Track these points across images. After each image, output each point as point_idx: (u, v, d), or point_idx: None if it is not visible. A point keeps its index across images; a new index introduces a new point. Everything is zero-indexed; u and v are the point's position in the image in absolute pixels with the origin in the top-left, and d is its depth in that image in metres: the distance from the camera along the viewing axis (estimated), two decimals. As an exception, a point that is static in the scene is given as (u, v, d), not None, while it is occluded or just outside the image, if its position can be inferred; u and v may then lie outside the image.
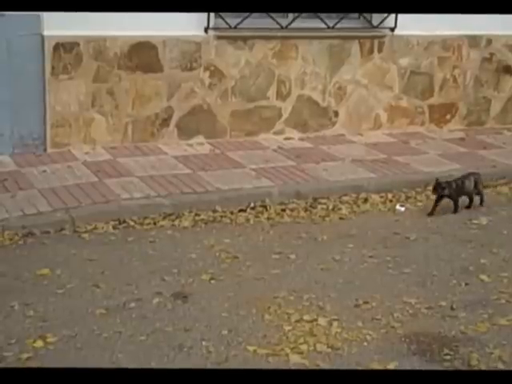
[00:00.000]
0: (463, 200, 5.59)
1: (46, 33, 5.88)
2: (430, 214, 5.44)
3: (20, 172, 5.66)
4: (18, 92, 5.88)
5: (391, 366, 3.51)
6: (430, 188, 5.56)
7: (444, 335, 3.80)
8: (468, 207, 5.61)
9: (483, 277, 4.45)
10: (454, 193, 5.47)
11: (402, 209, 5.57)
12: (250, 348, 3.61)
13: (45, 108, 6.01)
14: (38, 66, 5.91)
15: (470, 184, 5.57)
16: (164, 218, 5.11)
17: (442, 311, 4.03)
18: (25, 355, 3.45)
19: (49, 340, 3.57)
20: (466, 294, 4.24)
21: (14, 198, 5.17)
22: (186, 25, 6.22)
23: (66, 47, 5.97)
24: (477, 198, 5.66)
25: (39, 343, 3.55)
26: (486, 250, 4.84)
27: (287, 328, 3.79)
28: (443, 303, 4.11)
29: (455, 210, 5.50)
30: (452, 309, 4.05)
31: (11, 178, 5.50)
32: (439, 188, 5.39)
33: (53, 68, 5.96)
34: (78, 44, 6.01)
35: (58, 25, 5.74)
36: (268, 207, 5.39)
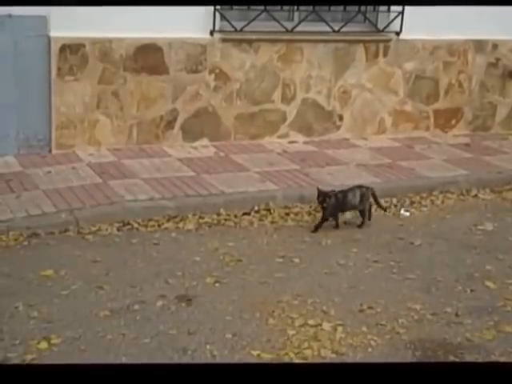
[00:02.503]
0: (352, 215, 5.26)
1: (52, 34, 5.88)
2: (315, 230, 5.06)
3: (25, 173, 5.66)
4: (24, 93, 5.88)
5: (396, 372, 3.49)
6: (436, 193, 5.51)
7: (449, 342, 3.78)
8: (360, 226, 5.18)
9: (489, 283, 4.43)
10: (331, 206, 5.03)
11: (407, 214, 5.56)
12: (254, 352, 3.60)
13: (50, 109, 6.01)
14: (43, 67, 5.92)
15: (353, 198, 5.11)
16: (168, 221, 5.11)
17: (447, 317, 4.02)
18: (29, 356, 3.45)
19: (53, 341, 3.57)
20: (471, 301, 4.22)
21: (18, 198, 5.16)
22: (192, 27, 6.23)
23: (71, 48, 5.97)
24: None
25: (43, 344, 3.54)
26: (492, 257, 4.83)
27: (291, 332, 3.78)
28: (448, 309, 4.10)
29: (336, 225, 5.12)
30: (457, 315, 4.04)
31: (16, 179, 5.50)
32: (321, 196, 5.01)
33: (59, 69, 5.96)
34: (84, 45, 6.01)
35: (65, 26, 5.76)
36: (272, 211, 5.38)
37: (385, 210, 5.43)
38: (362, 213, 5.19)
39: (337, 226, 5.14)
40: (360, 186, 5.21)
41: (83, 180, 5.56)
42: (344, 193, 5.11)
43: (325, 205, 5.02)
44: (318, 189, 5.10)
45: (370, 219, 5.23)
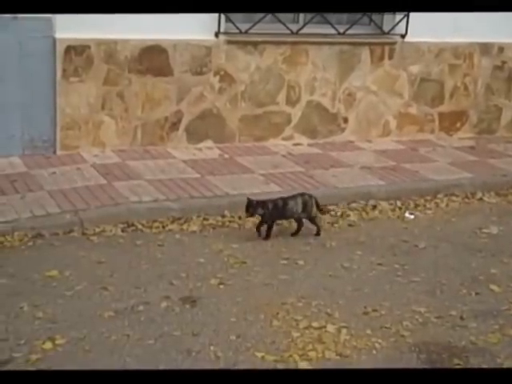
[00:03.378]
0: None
1: (57, 35, 5.89)
2: (266, 237, 4.89)
3: (29, 173, 5.66)
4: (29, 94, 5.89)
5: (400, 375, 3.48)
6: (441, 196, 5.52)
7: (454, 345, 3.77)
8: (294, 234, 4.98)
9: (493, 287, 4.42)
10: (268, 214, 4.83)
11: (411, 216, 5.55)
12: (259, 354, 3.59)
13: (55, 110, 6.02)
14: (49, 68, 5.93)
15: (295, 206, 4.89)
16: (172, 222, 5.10)
17: (451, 321, 4.00)
18: (34, 356, 3.45)
19: (57, 342, 3.57)
20: (476, 304, 4.21)
21: (23, 199, 5.17)
22: (197, 29, 6.23)
23: (77, 50, 5.98)
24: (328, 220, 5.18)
25: (48, 345, 3.54)
26: (497, 260, 4.82)
27: (296, 334, 3.77)
28: (453, 313, 4.08)
29: (267, 234, 4.89)
30: (462, 319, 4.03)
31: (21, 179, 5.51)
32: (250, 207, 4.78)
33: (64, 70, 5.97)
34: (89, 47, 6.01)
35: (70, 27, 5.76)
36: (277, 213, 5.38)
37: (328, 212, 5.28)
38: (300, 221, 4.96)
39: (267, 237, 4.88)
40: (302, 194, 5.03)
41: (88, 181, 5.56)
42: (285, 200, 4.91)
43: (259, 211, 4.80)
44: (248, 199, 4.85)
45: (319, 231, 5.02)
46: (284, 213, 4.91)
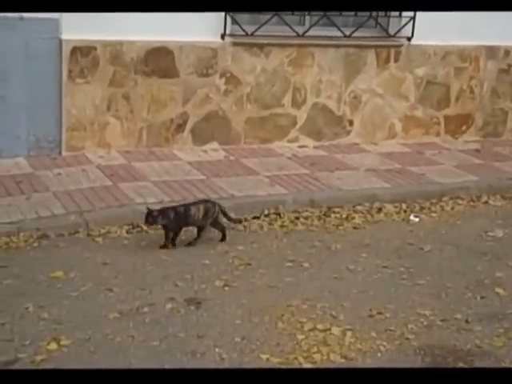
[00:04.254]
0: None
1: (63, 36, 5.90)
2: (163, 246, 4.69)
3: (35, 174, 5.67)
4: (35, 95, 5.90)
5: (405, 378, 3.47)
6: (446, 199, 5.50)
7: (459, 348, 3.76)
8: (189, 244, 4.77)
9: (499, 290, 4.41)
10: (170, 223, 4.65)
11: (417, 219, 5.54)
12: (263, 356, 3.59)
13: (61, 111, 6.03)
14: (55, 69, 5.94)
15: (197, 213, 4.72)
16: (177, 224, 5.10)
17: (457, 324, 3.99)
18: (39, 357, 3.45)
19: (63, 343, 3.57)
20: (481, 308, 4.20)
21: (28, 200, 5.18)
22: (203, 31, 6.24)
23: (83, 51, 5.99)
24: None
25: (53, 345, 3.54)
26: (502, 263, 4.80)
27: (300, 337, 3.77)
28: (458, 316, 4.07)
29: (172, 242, 4.71)
30: (467, 322, 4.02)
31: (26, 180, 5.52)
32: (150, 217, 4.60)
33: (70, 71, 5.98)
34: (95, 48, 6.03)
35: (76, 29, 5.78)
36: (282, 215, 5.38)
37: (240, 222, 5.06)
38: (200, 229, 4.79)
39: (173, 244, 4.72)
40: (206, 201, 4.88)
41: (93, 182, 5.57)
42: (186, 207, 4.75)
43: (159, 221, 4.62)
44: (147, 208, 4.66)
45: (224, 238, 4.85)
46: (186, 220, 4.72)
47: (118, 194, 5.38)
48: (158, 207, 4.77)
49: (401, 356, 3.67)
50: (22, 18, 5.70)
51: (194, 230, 4.87)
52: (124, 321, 3.82)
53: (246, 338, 3.73)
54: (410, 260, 4.79)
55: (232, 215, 5.00)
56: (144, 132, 6.34)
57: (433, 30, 6.80)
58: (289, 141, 6.81)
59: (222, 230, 4.87)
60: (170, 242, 4.73)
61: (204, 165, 6.14)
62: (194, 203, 4.84)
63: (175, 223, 4.70)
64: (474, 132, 7.50)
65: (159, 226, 4.76)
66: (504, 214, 5.71)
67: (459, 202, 5.94)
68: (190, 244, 4.79)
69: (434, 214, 5.67)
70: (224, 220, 4.92)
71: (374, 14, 6.87)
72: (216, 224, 4.85)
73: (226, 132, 6.60)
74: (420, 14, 6.75)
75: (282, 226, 5.24)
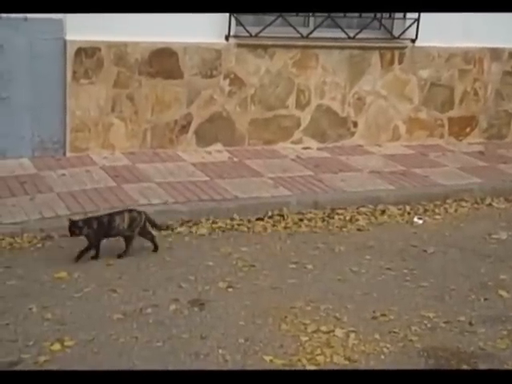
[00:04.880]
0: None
1: (68, 37, 5.91)
2: (77, 258, 4.45)
3: (39, 175, 5.68)
4: (39, 96, 5.91)
5: (409, 380, 3.47)
6: (450, 201, 5.48)
7: (462, 350, 3.76)
8: (120, 256, 4.54)
9: (502, 292, 4.41)
10: (92, 233, 4.44)
11: (420, 221, 5.54)
12: (267, 358, 3.59)
13: (65, 112, 6.04)
14: (59, 70, 5.95)
15: (121, 223, 4.50)
16: (181, 225, 5.11)
17: (460, 326, 3.99)
18: (42, 358, 3.45)
19: (66, 343, 3.57)
20: (484, 310, 4.20)
21: (32, 200, 5.18)
22: (207, 32, 6.25)
23: (87, 52, 6.00)
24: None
25: (57, 346, 3.55)
26: (506, 266, 4.80)
27: (304, 338, 3.77)
28: (462, 318, 4.07)
29: (96, 255, 4.50)
30: (471, 324, 4.01)
31: (30, 181, 5.53)
32: (74, 228, 4.40)
33: (74, 72, 5.99)
34: (100, 49, 6.03)
35: (80, 30, 5.79)
36: (285, 216, 5.38)
37: (168, 228, 4.94)
38: (128, 239, 4.55)
39: (96, 256, 4.50)
40: (131, 210, 4.65)
41: (97, 183, 5.57)
42: (110, 216, 4.53)
43: (83, 231, 4.42)
44: (70, 219, 4.47)
45: (156, 248, 4.66)
46: (110, 230, 4.50)
47: (122, 195, 5.38)
48: (79, 217, 4.56)
49: (404, 358, 3.67)
50: (26, 19, 5.71)
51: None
52: (127, 322, 3.83)
53: (250, 340, 3.73)
54: (414, 262, 4.79)
55: (161, 224, 4.76)
56: (148, 133, 6.35)
57: (437, 31, 6.80)
58: (293, 142, 6.82)
59: (152, 239, 4.65)
60: (85, 252, 4.47)
61: (208, 166, 6.14)
62: (119, 212, 4.60)
63: (98, 233, 4.47)
64: (478, 134, 7.50)
65: (82, 236, 4.47)
66: (508, 217, 5.70)
67: (463, 204, 5.93)
68: (120, 256, 4.54)
69: (437, 216, 5.66)
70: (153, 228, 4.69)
71: (379, 15, 6.87)
72: (144, 233, 4.61)
73: (230, 133, 6.60)
74: (424, 16, 6.75)
75: (285, 228, 5.24)
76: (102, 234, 4.50)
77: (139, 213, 4.63)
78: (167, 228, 4.95)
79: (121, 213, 4.60)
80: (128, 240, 4.58)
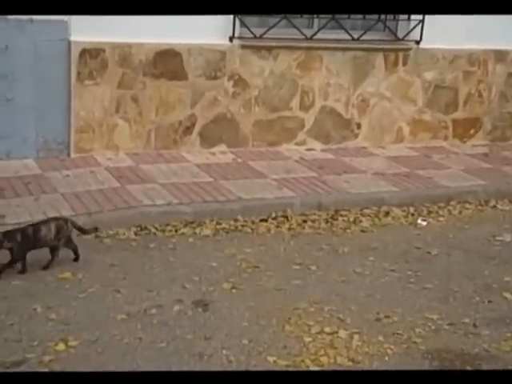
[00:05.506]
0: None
1: (72, 38, 5.92)
2: (22, 271, 4.23)
3: (43, 176, 5.69)
4: (44, 96, 5.92)
5: (412, 382, 3.47)
6: (454, 203, 5.46)
7: (467, 352, 3.76)
8: (46, 266, 4.31)
9: (507, 294, 4.40)
10: (16, 246, 4.17)
11: (424, 223, 5.54)
12: (270, 358, 3.59)
13: (69, 113, 6.05)
14: (63, 71, 5.96)
15: (48, 233, 4.28)
16: (185, 226, 5.12)
17: (464, 328, 3.99)
18: (46, 358, 3.46)
19: (70, 343, 3.58)
20: (489, 312, 4.19)
21: (37, 201, 5.19)
22: (211, 33, 6.25)
23: (91, 53, 6.01)
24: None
25: (61, 346, 3.56)
26: (510, 268, 4.80)
27: (308, 339, 3.77)
28: (466, 320, 4.07)
29: (22, 269, 4.24)
30: (475, 326, 4.01)
31: (35, 182, 5.54)
32: (2, 238, 4.15)
33: (78, 73, 6.00)
34: (104, 50, 6.04)
35: (85, 31, 5.79)
36: (289, 218, 5.38)
37: (96, 230, 4.69)
38: (53, 249, 4.35)
39: (23, 271, 4.24)
40: (56, 219, 4.46)
41: (101, 184, 5.58)
42: (36, 227, 4.28)
43: (6, 245, 4.15)
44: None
45: (78, 258, 4.46)
46: (36, 242, 4.26)
47: (126, 195, 5.39)
48: (1, 230, 4.29)
49: (408, 360, 3.67)
50: (31, 20, 5.72)
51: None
52: (131, 322, 3.83)
53: (254, 341, 3.73)
54: (418, 264, 4.78)
55: (88, 229, 4.60)
56: (152, 134, 6.36)
57: (441, 33, 6.80)
58: (297, 144, 6.82)
59: (75, 250, 4.45)
60: (6, 267, 4.22)
61: (212, 167, 6.15)
62: (44, 222, 4.37)
63: (24, 246, 4.20)
64: (482, 136, 7.49)
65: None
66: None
67: (467, 206, 5.93)
68: (45, 267, 4.32)
69: (441, 218, 5.66)
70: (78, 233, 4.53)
71: (383, 17, 6.86)
72: (69, 243, 4.41)
73: (234, 134, 6.61)
74: (429, 18, 6.75)
75: (289, 229, 5.24)
76: (28, 246, 4.23)
77: (65, 220, 4.43)
78: (96, 230, 4.70)
79: (46, 222, 4.36)
80: (54, 250, 4.35)
